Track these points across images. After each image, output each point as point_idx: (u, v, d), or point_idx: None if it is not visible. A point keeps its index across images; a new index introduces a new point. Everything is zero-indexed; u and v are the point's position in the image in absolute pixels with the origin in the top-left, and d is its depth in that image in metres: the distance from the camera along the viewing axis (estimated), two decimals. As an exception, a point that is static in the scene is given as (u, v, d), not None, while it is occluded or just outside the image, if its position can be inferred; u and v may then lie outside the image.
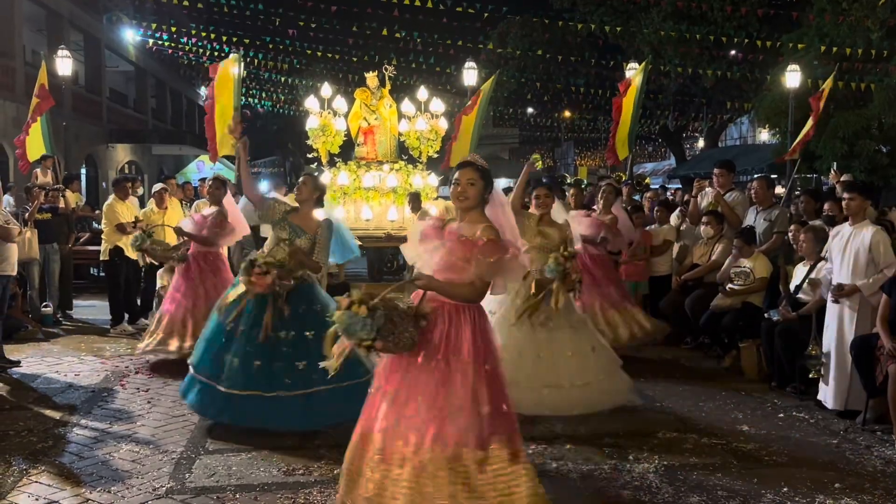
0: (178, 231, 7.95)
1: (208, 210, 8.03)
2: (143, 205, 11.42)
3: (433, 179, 11.60)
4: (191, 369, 5.67)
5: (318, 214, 5.82)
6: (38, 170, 12.01)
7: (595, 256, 7.55)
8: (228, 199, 7.80)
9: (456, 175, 3.86)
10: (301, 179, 5.85)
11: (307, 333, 5.37)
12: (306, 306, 5.52)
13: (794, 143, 11.99)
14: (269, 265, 5.32)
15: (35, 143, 11.77)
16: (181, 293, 7.63)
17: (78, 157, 22.45)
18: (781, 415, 6.05)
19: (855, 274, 5.88)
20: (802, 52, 16.30)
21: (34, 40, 22.55)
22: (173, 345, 7.39)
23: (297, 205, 5.78)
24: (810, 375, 6.15)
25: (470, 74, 16.19)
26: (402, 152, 11.46)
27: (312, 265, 5.64)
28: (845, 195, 6.10)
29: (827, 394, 6.06)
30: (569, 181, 18.28)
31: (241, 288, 5.46)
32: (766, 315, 6.84)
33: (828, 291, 6.14)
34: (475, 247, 3.59)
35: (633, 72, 13.67)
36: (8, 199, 10.64)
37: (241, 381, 5.30)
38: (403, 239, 11.00)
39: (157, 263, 9.03)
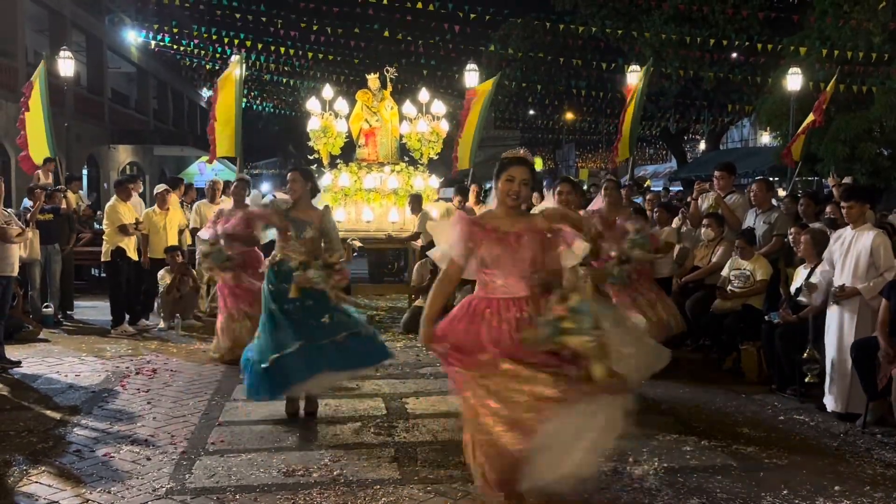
0: (230, 236, 7.47)
1: (238, 212, 7.86)
2: (148, 204, 11.43)
3: (434, 181, 11.61)
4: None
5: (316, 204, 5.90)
6: (40, 171, 12.02)
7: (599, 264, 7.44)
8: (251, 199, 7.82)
9: (510, 171, 3.75)
10: (290, 177, 5.87)
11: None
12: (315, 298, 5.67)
13: (788, 143, 12.06)
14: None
15: (38, 145, 11.79)
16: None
17: (80, 158, 22.48)
18: (782, 417, 6.05)
19: (856, 277, 5.88)
20: (804, 55, 16.30)
21: (36, 41, 22.60)
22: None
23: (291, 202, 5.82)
24: (807, 380, 6.16)
25: (471, 76, 16.20)
26: (404, 154, 11.48)
27: (341, 255, 5.82)
28: (843, 204, 6.10)
29: (828, 396, 6.06)
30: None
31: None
32: (766, 317, 6.84)
33: (822, 297, 6.15)
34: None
35: (635, 74, 13.69)
36: (25, 202, 10.66)
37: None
38: (404, 240, 11.06)
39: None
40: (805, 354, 6.13)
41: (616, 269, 5.84)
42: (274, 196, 6.49)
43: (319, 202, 6.18)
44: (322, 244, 5.76)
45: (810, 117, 11.78)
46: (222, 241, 7.24)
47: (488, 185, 11.34)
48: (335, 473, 4.65)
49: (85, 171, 24.04)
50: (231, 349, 7.32)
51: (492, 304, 3.72)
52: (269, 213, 5.84)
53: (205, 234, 8.03)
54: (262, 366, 5.52)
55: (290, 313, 5.59)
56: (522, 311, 3.68)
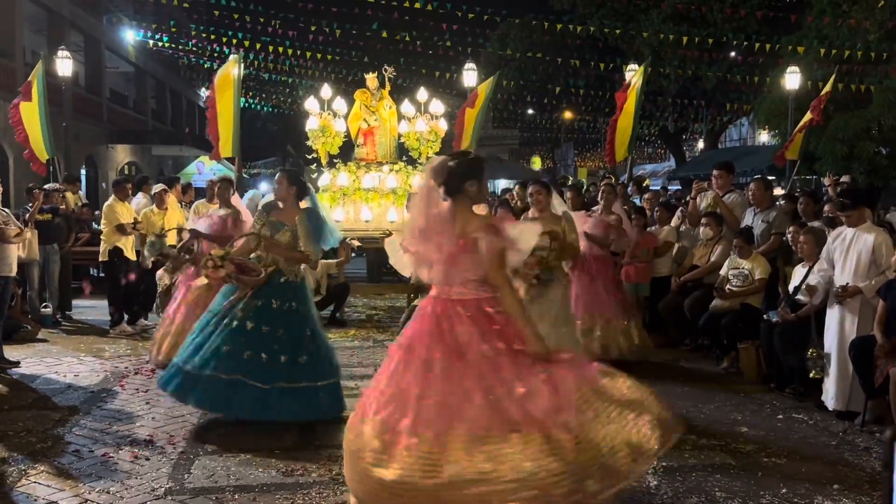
0: (196, 234, 7.60)
1: (221, 211, 7.90)
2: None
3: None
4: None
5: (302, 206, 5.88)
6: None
7: (599, 258, 7.51)
8: (236, 199, 7.82)
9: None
10: (276, 178, 5.87)
11: (270, 328, 5.50)
12: (279, 303, 5.59)
13: (786, 143, 12.08)
14: (221, 259, 5.49)
15: (37, 144, 11.76)
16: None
17: (78, 158, 22.47)
18: (780, 416, 6.05)
19: (857, 276, 5.89)
20: (802, 54, 16.31)
21: (34, 41, 22.57)
22: None
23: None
24: (811, 376, 6.15)
25: (470, 76, 16.21)
26: (402, 153, 11.47)
27: (299, 257, 5.69)
28: (842, 216, 6.12)
29: (828, 395, 6.07)
30: (569, 183, 18.31)
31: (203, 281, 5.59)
32: (765, 316, 6.84)
33: (822, 296, 6.16)
34: None
35: (633, 73, 13.70)
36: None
37: (212, 364, 5.42)
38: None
39: (164, 264, 9.01)
40: (809, 352, 6.12)
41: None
42: (265, 202, 6.43)
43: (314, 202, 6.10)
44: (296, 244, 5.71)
45: (808, 115, 11.79)
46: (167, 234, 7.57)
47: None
48: (334, 473, 4.65)
49: (83, 171, 24.00)
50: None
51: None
52: (261, 215, 5.83)
53: (201, 223, 8.06)
54: (186, 366, 5.51)
55: (247, 333, 5.46)
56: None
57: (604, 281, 7.51)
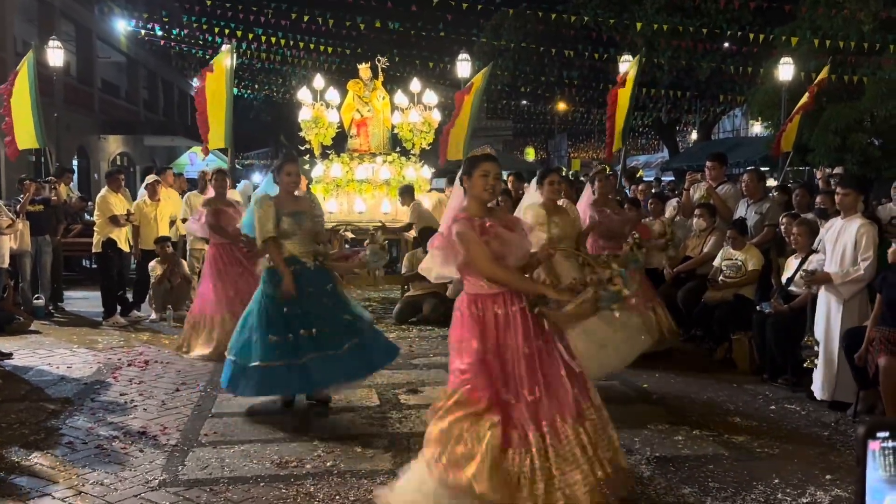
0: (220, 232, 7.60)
1: (211, 198, 7.89)
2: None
3: (426, 171, 11.58)
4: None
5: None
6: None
7: (613, 249, 7.42)
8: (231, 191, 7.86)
9: (483, 167, 3.82)
10: (292, 169, 5.71)
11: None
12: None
13: (778, 133, 12.11)
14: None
15: (25, 133, 11.65)
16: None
17: (69, 149, 22.35)
18: (773, 407, 6.08)
19: (843, 266, 5.92)
20: (795, 45, 16.32)
21: (25, 31, 22.40)
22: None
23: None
24: (805, 365, 6.16)
25: (464, 66, 16.18)
26: (396, 144, 11.44)
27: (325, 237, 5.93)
28: (839, 190, 6.09)
29: (816, 384, 6.10)
30: (566, 174, 18.28)
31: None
32: (757, 307, 6.86)
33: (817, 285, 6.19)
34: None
35: (627, 65, 13.69)
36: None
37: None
38: (396, 230, 11.03)
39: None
40: (805, 338, 6.12)
41: (639, 254, 5.92)
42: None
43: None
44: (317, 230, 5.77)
45: (805, 98, 11.84)
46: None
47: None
48: (328, 464, 4.66)
49: (75, 162, 23.88)
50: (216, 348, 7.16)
51: (497, 300, 3.76)
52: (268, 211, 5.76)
53: (191, 225, 8.07)
54: (253, 364, 5.50)
55: (297, 317, 5.50)
56: (521, 304, 3.76)
57: None
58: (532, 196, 6.21)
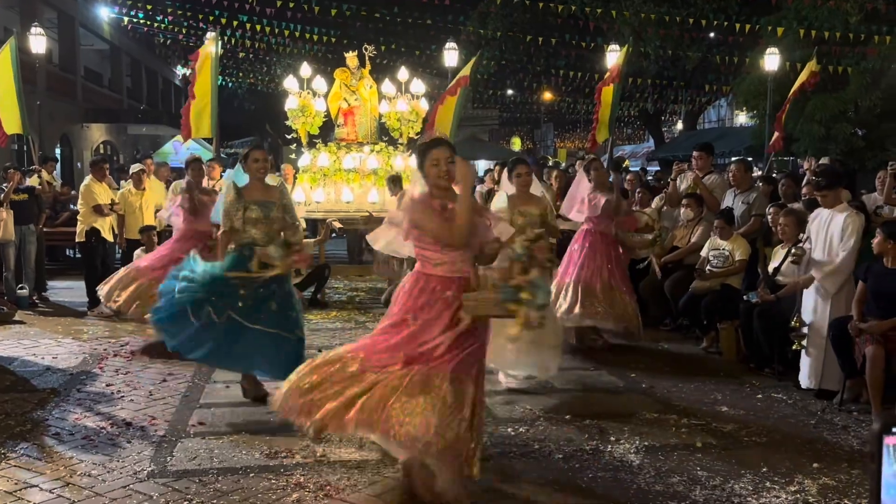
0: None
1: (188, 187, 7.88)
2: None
3: (414, 161, 11.52)
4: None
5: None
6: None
7: (604, 234, 7.42)
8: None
9: (434, 155, 3.85)
10: (259, 156, 5.60)
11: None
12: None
13: (775, 124, 12.17)
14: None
15: (12, 117, 11.46)
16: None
17: (52, 137, 22.13)
18: (760, 396, 6.12)
19: (830, 256, 5.97)
20: (781, 35, 16.36)
21: (6, 17, 22.12)
22: None
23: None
24: (793, 347, 6.18)
25: (451, 55, 16.12)
26: (383, 133, 11.39)
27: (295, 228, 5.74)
28: (817, 195, 6.19)
29: (802, 373, 6.14)
30: (551, 163, 18.28)
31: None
32: (744, 297, 6.89)
33: (802, 269, 6.24)
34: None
35: (615, 55, 13.68)
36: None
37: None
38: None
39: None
40: (793, 321, 6.13)
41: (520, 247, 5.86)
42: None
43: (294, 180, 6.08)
44: (286, 220, 5.64)
45: (804, 75, 11.95)
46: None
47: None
48: (318, 455, 4.64)
49: (58, 150, 23.65)
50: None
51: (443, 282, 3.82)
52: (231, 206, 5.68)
53: (165, 213, 8.07)
54: (186, 297, 5.40)
55: (235, 297, 5.40)
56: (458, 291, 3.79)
57: (610, 253, 7.45)
58: (505, 186, 6.33)
